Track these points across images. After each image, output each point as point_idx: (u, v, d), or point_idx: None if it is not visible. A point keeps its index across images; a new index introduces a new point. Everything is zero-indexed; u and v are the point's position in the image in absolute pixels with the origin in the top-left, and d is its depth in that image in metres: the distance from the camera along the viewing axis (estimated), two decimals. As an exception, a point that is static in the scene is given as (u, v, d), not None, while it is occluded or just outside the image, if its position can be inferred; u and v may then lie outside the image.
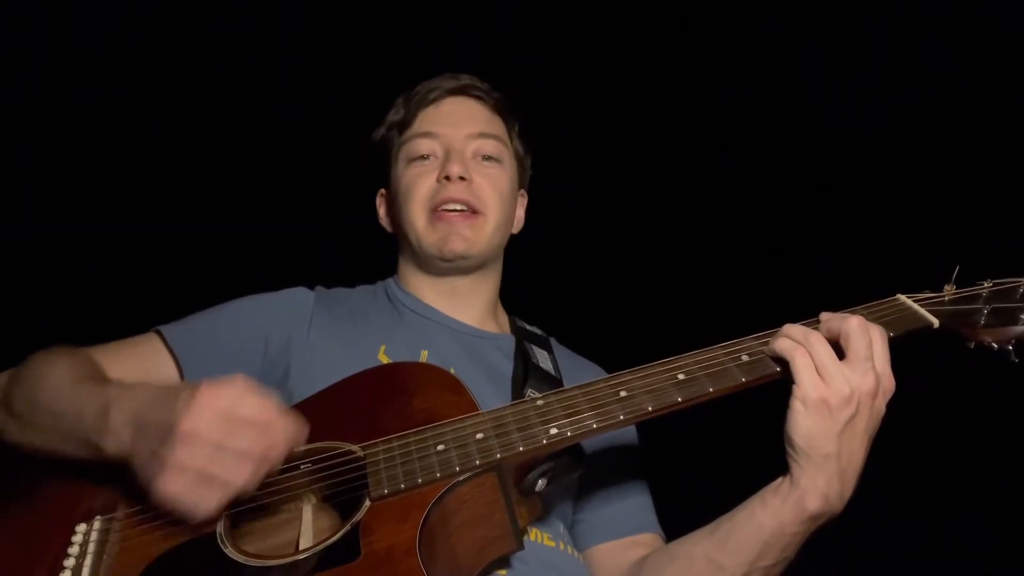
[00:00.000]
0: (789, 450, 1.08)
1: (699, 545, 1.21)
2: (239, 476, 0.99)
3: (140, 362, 1.38)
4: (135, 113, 2.45)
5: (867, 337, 1.07)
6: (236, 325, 1.44)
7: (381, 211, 1.73)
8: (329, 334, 1.46)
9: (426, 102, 1.61)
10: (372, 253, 1.74)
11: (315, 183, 2.51)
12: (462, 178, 1.53)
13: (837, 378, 1.05)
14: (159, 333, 1.41)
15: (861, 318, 1.09)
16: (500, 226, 1.59)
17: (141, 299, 2.05)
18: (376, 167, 1.71)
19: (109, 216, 2.46)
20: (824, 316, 1.15)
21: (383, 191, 1.72)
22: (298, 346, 1.43)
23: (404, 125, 1.62)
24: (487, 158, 1.60)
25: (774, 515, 1.10)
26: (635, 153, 2.64)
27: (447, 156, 1.56)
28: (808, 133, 2.51)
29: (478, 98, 1.64)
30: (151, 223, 2.48)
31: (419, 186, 1.56)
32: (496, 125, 1.64)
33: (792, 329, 1.13)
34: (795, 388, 1.07)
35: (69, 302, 2.35)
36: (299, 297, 1.51)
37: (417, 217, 1.55)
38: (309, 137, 2.50)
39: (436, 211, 1.53)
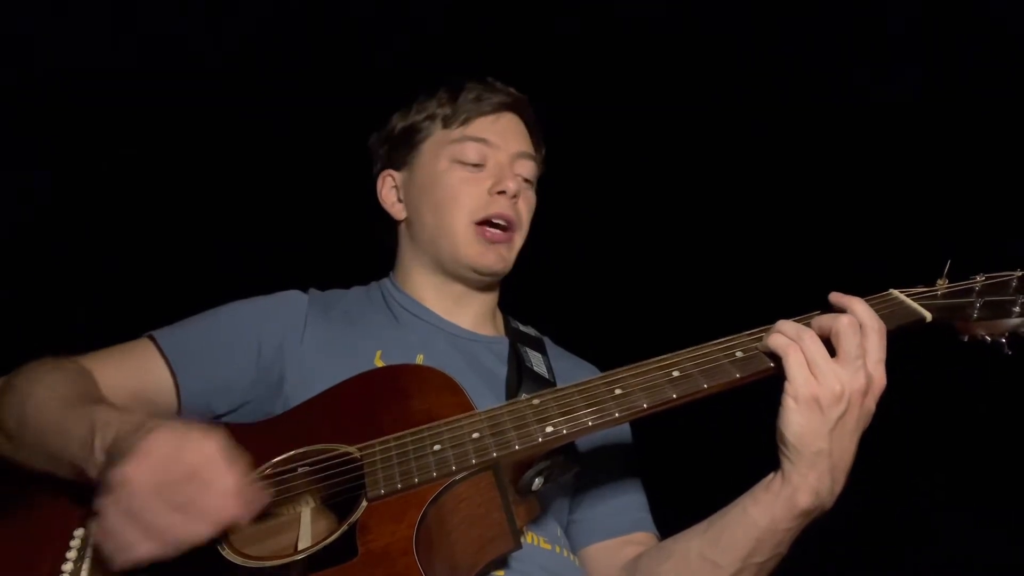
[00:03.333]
0: (781, 446, 1.09)
1: (693, 542, 1.21)
2: (146, 542, 0.95)
3: (134, 369, 1.37)
4: (129, 113, 2.45)
5: (857, 336, 1.07)
6: (229, 330, 1.44)
7: (387, 195, 1.66)
8: (324, 339, 1.45)
9: (483, 111, 1.58)
10: (367, 253, 1.73)
11: (309, 182, 2.51)
12: (514, 196, 1.54)
13: (828, 376, 1.05)
14: (152, 339, 1.41)
15: (851, 317, 1.08)
16: (522, 244, 1.61)
17: (134, 303, 2.04)
18: (391, 148, 1.65)
19: (102, 218, 2.45)
20: (835, 298, 1.14)
21: (392, 173, 1.65)
22: (292, 351, 1.42)
23: (450, 121, 1.58)
24: (524, 179, 1.60)
25: (766, 511, 1.11)
26: (629, 150, 2.64)
27: (500, 170, 1.55)
28: (800, 130, 2.51)
29: (524, 116, 1.64)
30: (144, 225, 2.48)
31: (466, 194, 1.53)
32: (532, 146, 1.65)
33: (785, 326, 1.13)
34: (787, 385, 1.07)
35: (63, 306, 2.34)
36: (293, 301, 1.50)
37: (458, 223, 1.53)
38: (302, 137, 2.50)
39: (478, 225, 1.53)
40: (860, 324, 1.08)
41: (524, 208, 1.59)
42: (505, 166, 1.56)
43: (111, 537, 0.97)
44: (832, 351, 1.08)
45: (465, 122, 1.58)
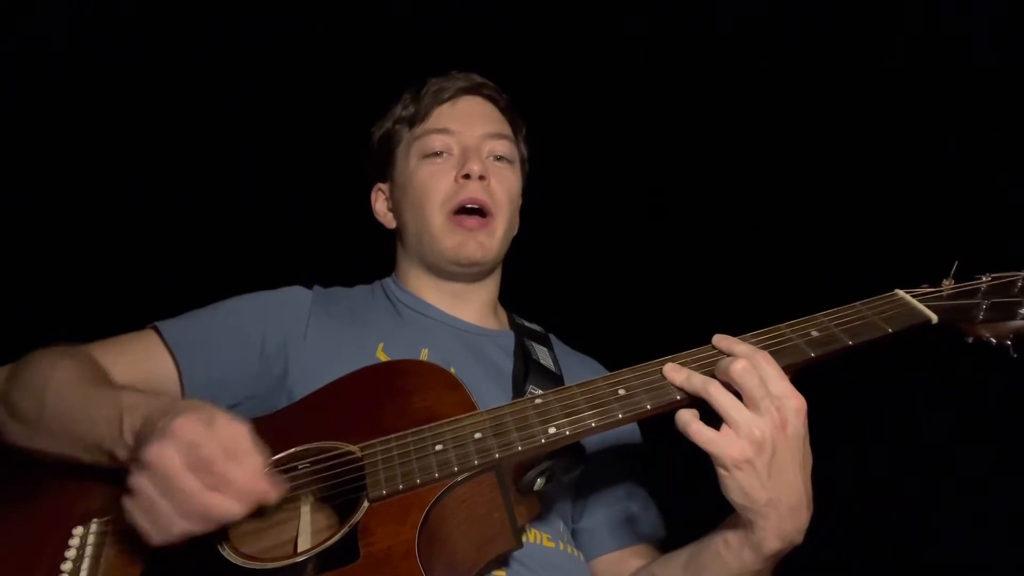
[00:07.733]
0: (735, 507, 1.07)
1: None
2: (182, 519, 0.97)
3: (138, 359, 1.37)
4: (129, 110, 2.44)
5: (756, 377, 1.04)
6: (233, 323, 1.43)
7: (379, 206, 1.69)
8: (327, 333, 1.45)
9: (440, 99, 1.58)
10: (368, 252, 1.72)
11: (312, 180, 2.50)
12: (481, 177, 1.52)
13: (745, 428, 1.02)
14: (157, 330, 1.40)
15: (743, 362, 1.05)
16: (508, 230, 1.60)
17: (139, 296, 2.03)
18: (374, 161, 1.69)
19: (106, 211, 2.44)
20: (716, 339, 1.14)
21: (380, 186, 1.69)
22: (295, 345, 1.42)
23: (414, 120, 1.59)
24: (499, 158, 1.59)
25: (736, 558, 1.11)
26: (631, 147, 2.63)
27: (465, 154, 1.54)
28: (805, 127, 2.50)
29: (490, 99, 1.63)
30: (149, 219, 2.47)
31: (436, 185, 1.53)
32: (506, 127, 1.63)
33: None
34: (712, 457, 1.04)
35: (67, 298, 2.34)
36: (297, 296, 1.50)
37: (434, 217, 1.53)
38: (305, 133, 2.49)
39: (453, 215, 1.52)
40: (752, 364, 1.05)
41: (499, 189, 1.55)
42: (471, 149, 1.55)
43: (148, 515, 0.98)
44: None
45: (426, 116, 1.58)
